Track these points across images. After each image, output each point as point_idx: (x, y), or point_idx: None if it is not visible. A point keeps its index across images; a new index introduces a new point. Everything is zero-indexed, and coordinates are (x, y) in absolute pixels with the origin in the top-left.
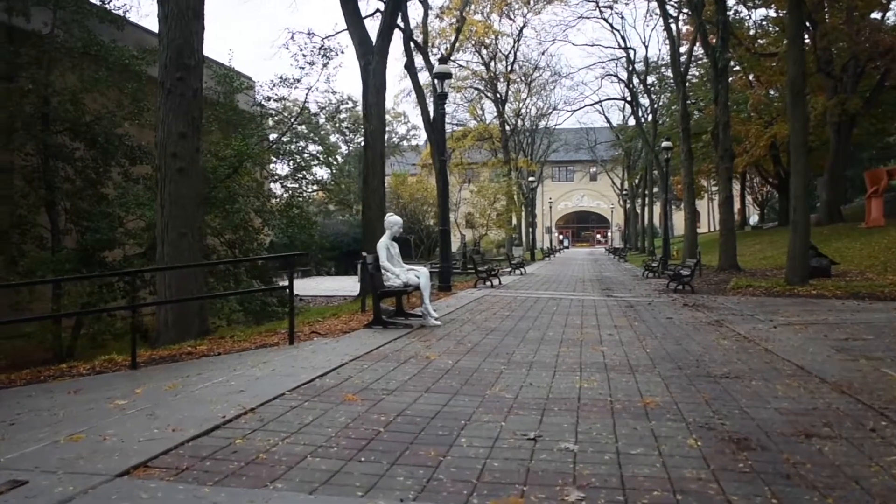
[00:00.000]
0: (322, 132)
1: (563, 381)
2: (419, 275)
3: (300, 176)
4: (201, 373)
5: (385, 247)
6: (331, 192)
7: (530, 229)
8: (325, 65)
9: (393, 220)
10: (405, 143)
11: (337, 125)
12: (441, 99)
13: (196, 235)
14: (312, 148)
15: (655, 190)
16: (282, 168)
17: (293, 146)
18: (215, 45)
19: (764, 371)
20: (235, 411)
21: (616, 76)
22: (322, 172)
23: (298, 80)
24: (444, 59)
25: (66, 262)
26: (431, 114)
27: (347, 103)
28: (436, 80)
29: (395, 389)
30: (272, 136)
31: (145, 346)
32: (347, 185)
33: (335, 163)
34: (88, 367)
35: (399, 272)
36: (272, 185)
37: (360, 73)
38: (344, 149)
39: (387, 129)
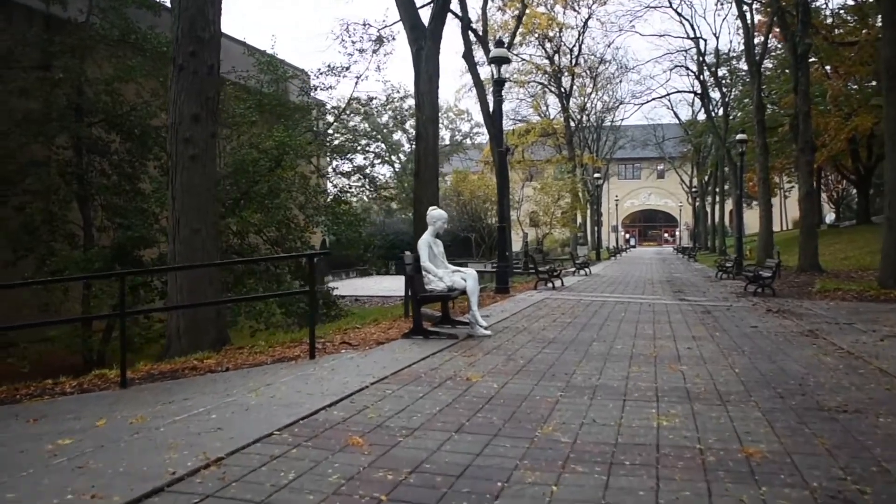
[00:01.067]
0: (385, 130)
1: (636, 416)
2: (466, 277)
3: (348, 170)
4: (189, 398)
5: (427, 245)
6: (382, 189)
7: (596, 228)
8: (374, 51)
9: (436, 214)
10: (468, 140)
11: (400, 121)
12: (498, 85)
13: (212, 231)
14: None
15: (726, 187)
16: (330, 162)
17: (348, 141)
18: (258, 37)
19: (888, 402)
20: (194, 463)
21: (686, 68)
22: (385, 170)
23: (347, 69)
24: (500, 43)
25: (95, 261)
26: (491, 106)
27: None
28: (493, 66)
29: (418, 428)
30: (327, 130)
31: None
32: (412, 183)
33: (398, 161)
34: (76, 383)
35: (443, 274)
36: (326, 180)
37: (412, 61)
38: (407, 147)
39: (449, 126)
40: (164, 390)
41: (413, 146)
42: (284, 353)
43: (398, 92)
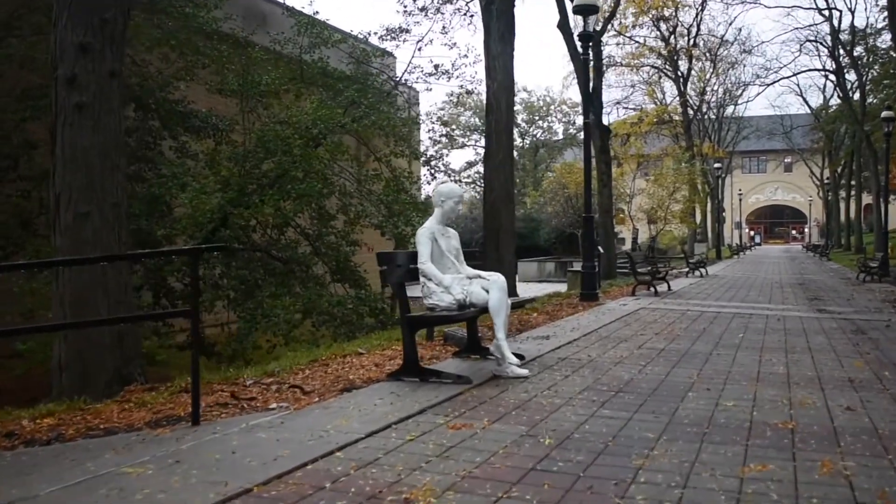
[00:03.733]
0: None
1: None
2: (490, 286)
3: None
4: None
5: (428, 237)
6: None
7: (717, 224)
8: (438, 9)
9: (445, 189)
10: (582, 134)
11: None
12: (585, 41)
13: (109, 216)
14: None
15: (862, 179)
16: (425, 156)
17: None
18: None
19: None
20: None
21: (817, 43)
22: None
23: (407, 31)
24: None
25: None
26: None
27: (521, 93)
28: (577, 16)
29: None
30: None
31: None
32: (522, 178)
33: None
34: None
35: (451, 282)
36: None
37: (482, 17)
38: (519, 141)
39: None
40: None
41: (524, 139)
42: (172, 411)
43: (466, 56)
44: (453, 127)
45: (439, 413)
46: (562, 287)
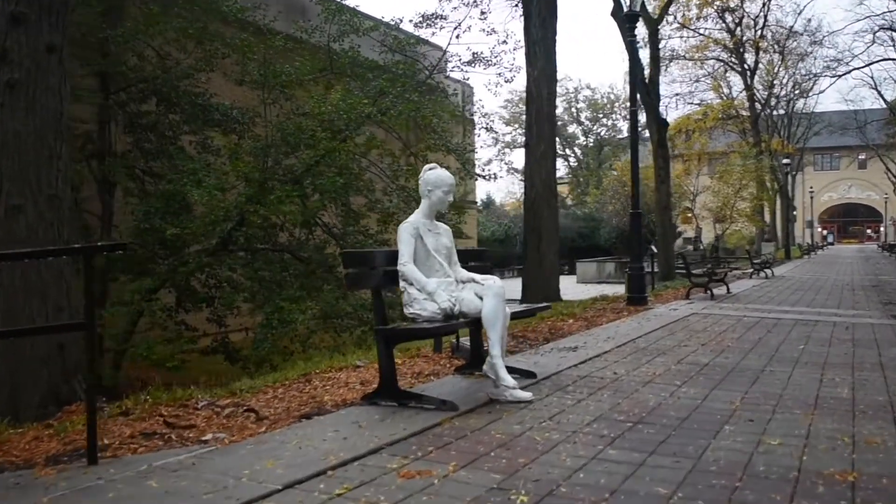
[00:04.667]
0: (559, 122)
1: None
2: (484, 292)
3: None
4: None
5: (411, 233)
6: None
7: (786, 223)
8: None
9: (432, 177)
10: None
11: (574, 115)
12: (631, 21)
13: (50, 210)
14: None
15: None
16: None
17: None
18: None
19: None
20: None
21: (892, 29)
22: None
23: (443, 17)
24: None
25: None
26: (647, 71)
27: (584, 90)
28: None
29: None
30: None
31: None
32: (586, 177)
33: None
34: None
35: (434, 287)
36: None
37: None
38: (582, 139)
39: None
40: None
41: (588, 138)
42: (86, 442)
43: (505, 42)
44: (516, 125)
45: (398, 453)
46: (621, 288)
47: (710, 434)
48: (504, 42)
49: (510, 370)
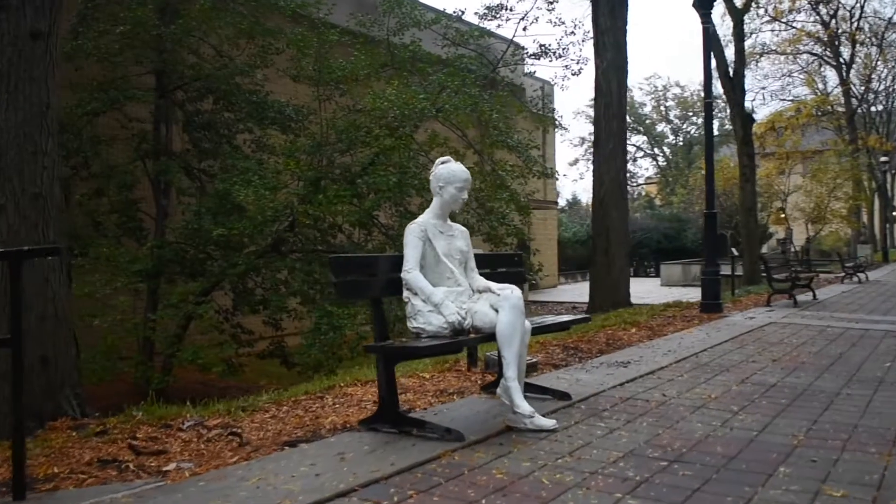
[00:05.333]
0: (647, 121)
1: None
2: (500, 303)
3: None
4: None
5: (418, 236)
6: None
7: (885, 224)
8: None
9: (445, 172)
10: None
11: (663, 112)
12: (706, 7)
13: (34, 211)
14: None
15: None
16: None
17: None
18: None
19: None
20: None
21: None
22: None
23: (509, 8)
24: None
25: (144, 262)
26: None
27: (673, 88)
28: None
29: None
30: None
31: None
32: (675, 176)
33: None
34: None
35: (441, 298)
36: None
37: None
38: (671, 138)
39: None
40: None
41: (677, 136)
42: (35, 469)
43: (573, 34)
44: None
45: (370, 497)
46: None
47: (759, 479)
48: (572, 33)
49: (542, 390)
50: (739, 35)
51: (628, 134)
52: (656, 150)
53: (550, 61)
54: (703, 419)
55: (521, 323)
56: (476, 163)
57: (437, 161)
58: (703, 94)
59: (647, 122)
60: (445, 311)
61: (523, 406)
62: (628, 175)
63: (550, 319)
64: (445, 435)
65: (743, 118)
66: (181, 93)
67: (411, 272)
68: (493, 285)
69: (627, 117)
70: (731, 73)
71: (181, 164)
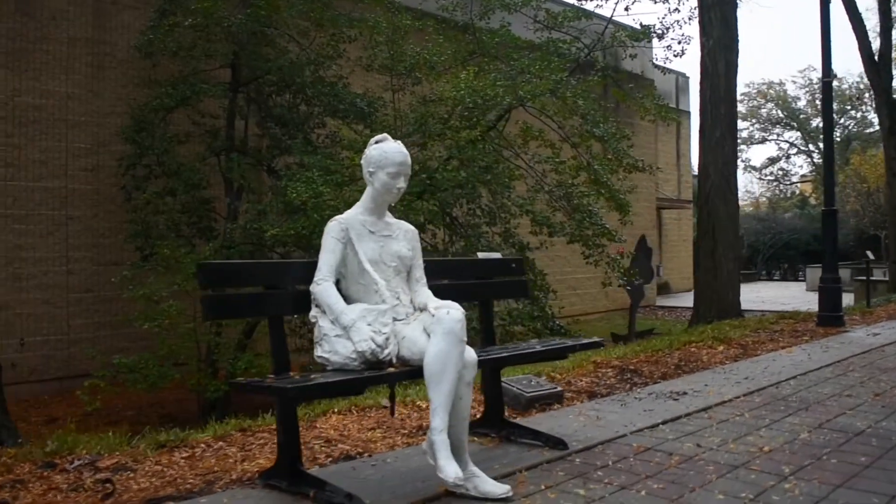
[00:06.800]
0: (802, 116)
1: None
2: (433, 326)
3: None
4: None
5: (336, 237)
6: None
7: None
8: None
9: (375, 155)
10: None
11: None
12: None
13: None
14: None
15: None
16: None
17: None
18: None
19: None
20: None
21: None
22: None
23: None
24: None
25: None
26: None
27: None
28: None
29: None
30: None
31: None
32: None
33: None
34: None
35: (355, 318)
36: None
37: None
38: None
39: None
40: None
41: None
42: None
43: (677, 10)
44: (753, 120)
45: None
46: (848, 298)
47: None
48: (676, 10)
49: (534, 434)
50: (885, 11)
51: (780, 129)
52: (811, 147)
53: (648, 41)
54: (733, 488)
55: (458, 354)
56: (574, 156)
57: (371, 140)
58: (864, 87)
59: (802, 116)
60: (355, 336)
61: (447, 469)
62: (781, 173)
63: (523, 349)
64: (348, 501)
65: (889, 107)
66: (255, 87)
67: (321, 283)
68: (432, 303)
69: (780, 111)
70: (877, 56)
71: (254, 161)
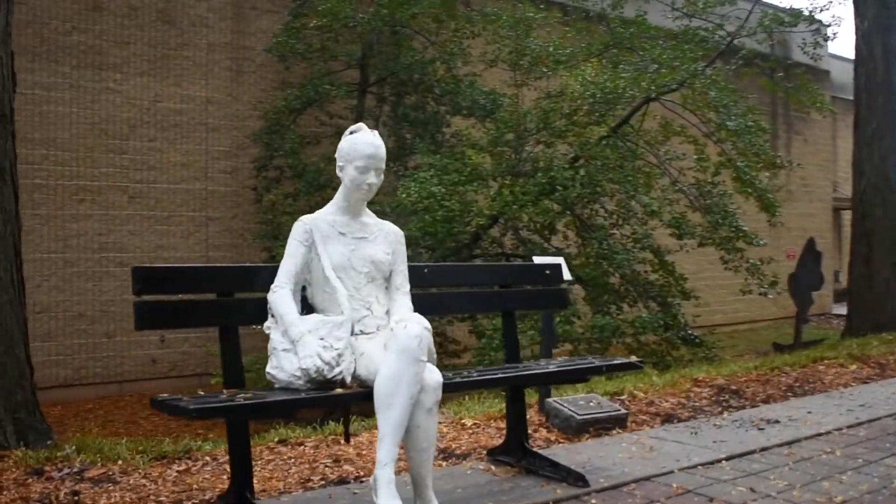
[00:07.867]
0: None
1: None
2: (389, 343)
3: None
4: None
5: (300, 238)
6: None
7: None
8: None
9: (345, 147)
10: None
11: None
12: None
13: None
14: None
15: None
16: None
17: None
18: None
19: None
20: None
21: None
22: None
23: None
24: None
25: None
26: None
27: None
28: None
29: None
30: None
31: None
32: None
33: None
34: None
35: (304, 331)
36: None
37: None
38: None
39: None
40: None
41: None
42: None
43: None
44: None
45: None
46: None
47: None
48: None
49: (554, 467)
50: None
51: None
52: None
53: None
54: None
55: (412, 375)
56: (720, 153)
57: (349, 132)
58: None
59: None
60: (301, 351)
61: None
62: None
63: (512, 371)
64: None
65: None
66: (387, 86)
67: (276, 291)
68: (396, 315)
69: None
70: None
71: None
